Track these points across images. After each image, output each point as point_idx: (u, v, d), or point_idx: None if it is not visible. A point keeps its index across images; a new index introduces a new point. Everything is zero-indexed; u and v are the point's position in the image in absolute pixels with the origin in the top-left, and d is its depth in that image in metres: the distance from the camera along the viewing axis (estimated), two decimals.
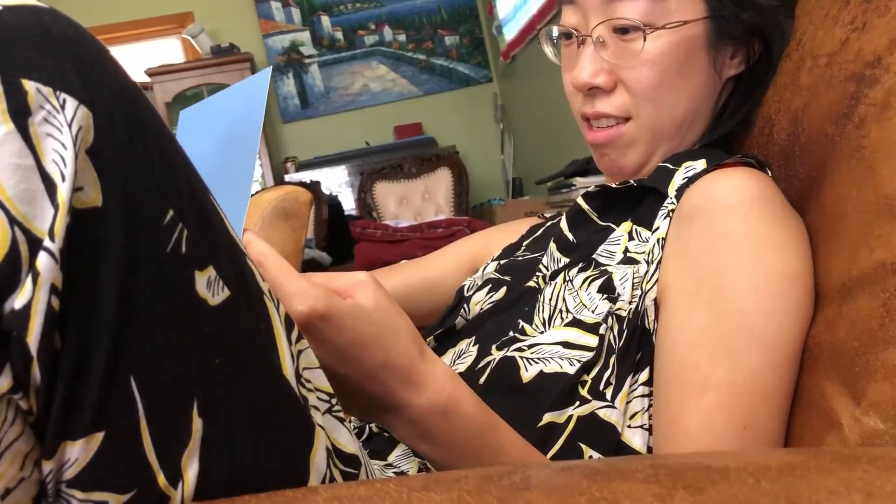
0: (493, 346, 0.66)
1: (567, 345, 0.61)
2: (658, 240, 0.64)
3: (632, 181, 0.71)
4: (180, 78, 4.40)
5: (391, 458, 0.64)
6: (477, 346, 0.69)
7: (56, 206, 0.30)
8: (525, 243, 0.87)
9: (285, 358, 0.40)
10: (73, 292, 0.31)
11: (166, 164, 0.35)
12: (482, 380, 0.63)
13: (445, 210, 4.18)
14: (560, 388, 0.59)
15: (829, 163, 0.58)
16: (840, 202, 0.56)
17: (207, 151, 0.58)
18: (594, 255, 0.69)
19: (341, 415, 0.45)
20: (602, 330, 0.61)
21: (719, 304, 0.56)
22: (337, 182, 4.48)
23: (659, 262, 0.62)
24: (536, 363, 0.61)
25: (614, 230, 0.70)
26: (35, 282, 0.29)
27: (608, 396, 0.59)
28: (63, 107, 0.31)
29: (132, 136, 0.33)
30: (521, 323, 0.68)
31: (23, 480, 0.31)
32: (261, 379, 0.37)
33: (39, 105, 0.30)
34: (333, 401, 0.44)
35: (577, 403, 0.59)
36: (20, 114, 0.30)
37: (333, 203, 3.88)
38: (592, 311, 0.63)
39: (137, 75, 4.27)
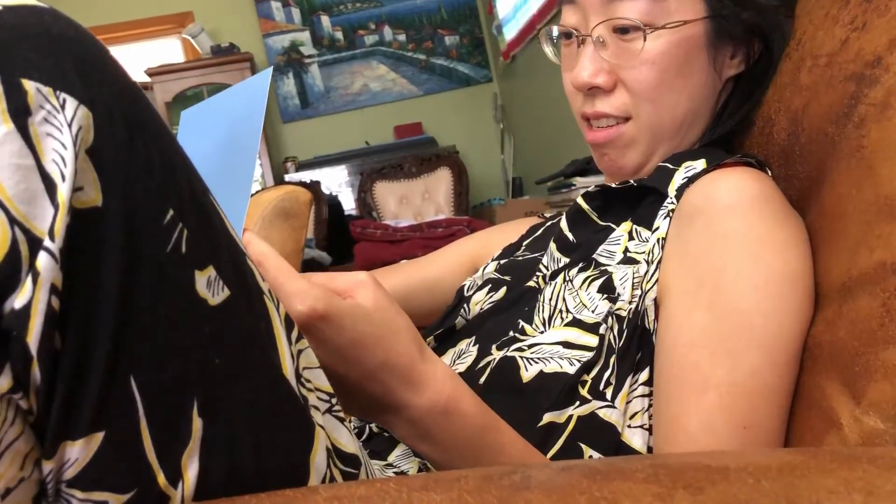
0: (493, 346, 0.66)
1: (567, 345, 0.61)
2: (658, 240, 0.64)
3: (632, 181, 0.71)
4: (180, 78, 4.40)
5: (391, 458, 0.64)
6: (477, 346, 0.69)
7: (56, 206, 0.30)
8: (525, 243, 0.87)
9: (285, 358, 0.40)
10: (73, 292, 0.31)
11: (166, 163, 0.35)
12: (482, 380, 0.63)
13: (445, 210, 4.18)
14: (560, 388, 0.59)
15: (829, 163, 0.58)
16: (840, 202, 0.56)
17: (208, 151, 0.58)
18: (594, 255, 0.69)
19: (341, 414, 0.45)
20: (602, 330, 0.61)
21: (719, 304, 0.56)
22: (337, 182, 4.48)
23: (659, 262, 0.62)
24: (536, 363, 0.61)
25: (614, 230, 0.70)
26: (35, 282, 0.29)
27: (608, 396, 0.59)
28: (63, 107, 0.31)
29: (132, 136, 0.33)
30: (521, 323, 0.68)
31: (23, 480, 0.31)
32: (261, 379, 0.37)
33: (39, 105, 0.30)
34: (333, 400, 0.44)
35: (577, 403, 0.59)
36: (20, 114, 0.30)
37: (333, 203, 3.88)
38: (592, 311, 0.63)
39: (137, 75, 4.27)
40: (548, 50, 0.80)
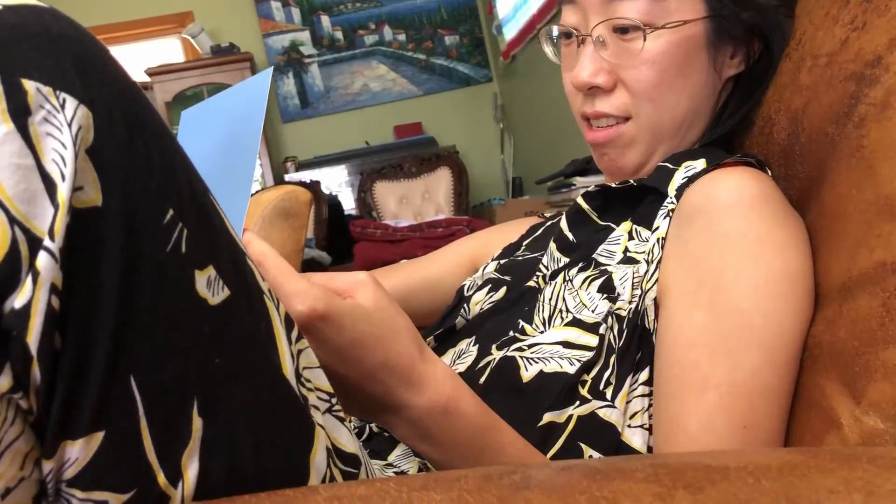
0: (493, 346, 0.66)
1: (567, 344, 0.61)
2: (658, 239, 0.64)
3: (632, 181, 0.71)
4: (180, 78, 4.40)
5: (391, 458, 0.64)
6: (477, 345, 0.69)
7: (56, 206, 0.30)
8: (525, 243, 0.87)
9: (285, 357, 0.40)
10: (73, 292, 0.31)
11: (166, 163, 0.35)
12: (482, 380, 0.63)
13: (445, 210, 4.18)
14: (560, 388, 0.59)
15: (829, 162, 0.58)
16: (840, 202, 0.56)
17: (208, 151, 0.58)
18: (594, 255, 0.69)
19: (341, 414, 0.45)
20: (602, 330, 0.61)
21: (719, 304, 0.56)
22: (337, 182, 4.48)
23: (659, 262, 0.62)
24: (536, 363, 0.61)
25: (614, 230, 0.70)
26: (35, 281, 0.29)
27: (608, 396, 0.59)
28: (63, 106, 0.31)
29: (132, 136, 0.33)
30: (521, 323, 0.68)
31: (23, 480, 0.31)
32: (261, 378, 0.37)
33: (39, 105, 0.30)
34: (333, 400, 0.44)
35: (577, 403, 0.59)
36: (20, 113, 0.30)
37: (333, 203, 3.88)
38: (592, 311, 0.63)
39: (137, 75, 4.27)
40: (548, 50, 0.80)
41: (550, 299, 0.68)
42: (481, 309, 0.76)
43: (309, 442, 0.39)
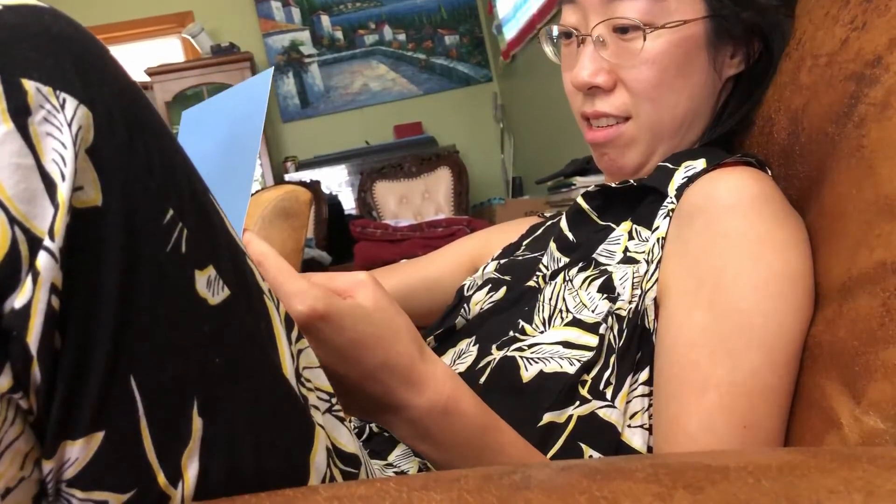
0: (494, 346, 0.66)
1: (567, 344, 0.61)
2: (658, 239, 0.64)
3: (632, 181, 0.71)
4: (180, 77, 4.40)
5: (391, 458, 0.64)
6: (477, 345, 0.69)
7: (56, 206, 0.30)
8: (525, 243, 0.87)
9: (285, 357, 0.40)
10: (73, 292, 0.31)
11: (166, 163, 0.35)
12: (482, 380, 0.63)
13: (445, 209, 4.18)
14: (560, 388, 0.59)
15: (829, 162, 0.58)
16: (840, 201, 0.56)
17: (209, 151, 0.58)
18: (594, 255, 0.69)
19: (341, 414, 0.45)
20: (602, 329, 0.61)
21: (719, 304, 0.56)
22: (337, 181, 4.48)
23: (659, 262, 0.62)
24: (536, 363, 0.61)
25: (614, 230, 0.70)
26: (35, 281, 0.29)
27: (608, 396, 0.59)
28: (63, 106, 0.31)
29: (132, 136, 0.33)
30: (521, 323, 0.68)
31: (23, 480, 0.31)
32: (261, 378, 0.37)
33: (39, 104, 0.30)
34: (333, 400, 0.44)
35: (577, 403, 0.59)
36: (20, 113, 0.30)
37: (333, 202, 3.88)
38: (592, 311, 0.63)
39: (137, 75, 4.27)
40: (548, 49, 0.80)
41: (550, 299, 0.68)
42: (481, 309, 0.75)
43: (309, 442, 0.39)
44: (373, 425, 0.71)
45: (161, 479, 0.33)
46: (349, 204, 4.35)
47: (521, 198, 3.89)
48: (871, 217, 0.52)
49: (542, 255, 0.75)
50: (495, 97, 4.78)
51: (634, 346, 0.61)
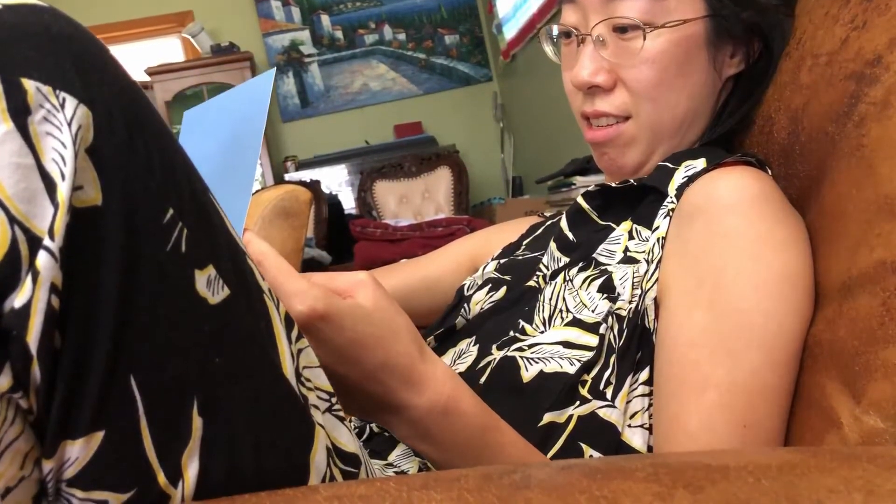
0: (494, 346, 0.66)
1: (567, 344, 0.61)
2: (658, 239, 0.64)
3: (632, 180, 0.71)
4: (180, 77, 4.40)
5: (391, 458, 0.64)
6: (477, 345, 0.69)
7: (56, 205, 0.30)
8: (525, 242, 0.87)
9: (285, 357, 0.40)
10: (73, 291, 0.31)
11: (166, 163, 0.35)
12: (482, 380, 0.63)
13: (445, 209, 4.18)
14: (560, 388, 0.59)
15: (829, 161, 0.58)
16: (840, 201, 0.56)
17: (210, 151, 0.58)
18: (594, 255, 0.69)
19: (341, 414, 0.44)
20: (602, 329, 0.61)
21: (719, 304, 0.56)
22: (337, 181, 4.48)
23: (659, 262, 0.62)
24: (537, 363, 0.61)
25: (614, 229, 0.70)
26: (35, 281, 0.29)
27: (608, 396, 0.59)
28: (63, 106, 0.31)
29: (132, 135, 0.33)
30: (522, 322, 0.68)
31: (23, 479, 0.31)
32: (261, 378, 0.37)
33: (39, 104, 0.30)
34: (333, 399, 0.44)
35: (578, 403, 0.59)
36: (20, 113, 0.30)
37: (333, 202, 3.88)
38: (592, 311, 0.63)
39: (137, 74, 4.27)
40: (548, 49, 0.80)
41: (550, 299, 0.68)
42: (481, 309, 0.75)
43: (309, 441, 0.39)
44: (373, 425, 0.71)
45: (161, 478, 0.33)
46: (349, 203, 4.35)
47: (521, 197, 3.89)
48: (871, 216, 0.52)
49: (543, 255, 0.75)
50: (495, 97, 4.78)
51: (634, 345, 0.61)
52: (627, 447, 0.58)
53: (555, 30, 0.78)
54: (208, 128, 0.61)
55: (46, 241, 0.30)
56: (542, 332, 0.65)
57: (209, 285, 0.35)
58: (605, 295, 0.63)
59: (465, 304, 0.77)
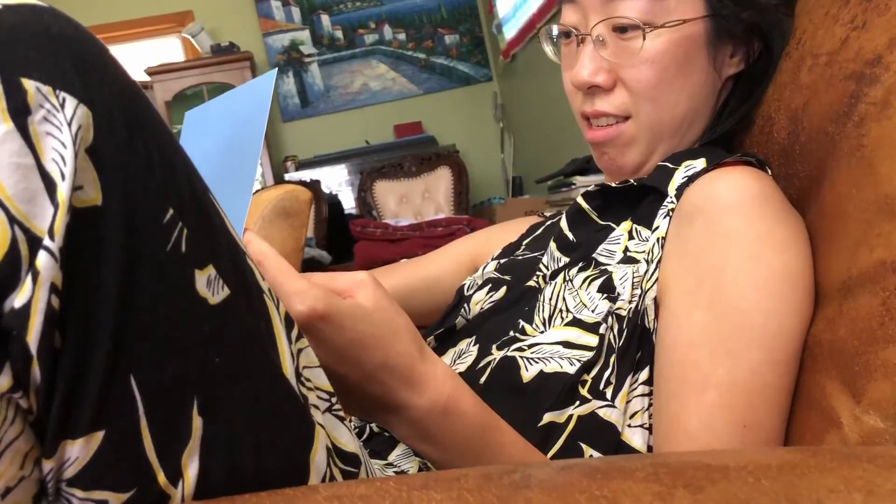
0: (494, 346, 0.66)
1: (567, 344, 0.61)
2: (658, 239, 0.64)
3: (632, 180, 0.71)
4: (180, 77, 4.40)
5: (391, 458, 0.64)
6: (477, 345, 0.69)
7: (56, 205, 0.30)
8: (525, 242, 0.87)
9: (285, 357, 0.40)
10: (73, 291, 0.31)
11: (166, 162, 0.35)
12: (482, 379, 0.63)
13: (445, 209, 4.18)
14: (560, 388, 0.59)
15: (829, 161, 0.58)
16: (840, 201, 0.56)
17: (211, 152, 0.58)
18: (594, 255, 0.69)
19: (341, 413, 0.45)
20: (602, 329, 0.61)
21: (719, 304, 0.56)
22: (337, 181, 4.48)
23: (659, 262, 0.62)
24: (537, 363, 0.61)
25: (614, 229, 0.70)
26: (35, 281, 0.29)
27: (608, 396, 0.59)
28: (63, 106, 0.31)
29: (132, 135, 0.33)
30: (522, 322, 0.68)
31: (23, 479, 0.31)
32: (261, 378, 0.37)
33: (39, 104, 0.30)
34: (333, 399, 0.44)
35: (578, 403, 0.59)
36: (20, 113, 0.30)
37: (333, 202, 3.88)
38: (592, 311, 0.63)
39: (137, 74, 4.27)
40: (548, 49, 0.80)
41: (550, 299, 0.68)
42: (481, 309, 0.75)
43: (309, 441, 0.39)
44: (373, 425, 0.71)
45: (161, 478, 0.33)
46: (349, 203, 4.35)
47: (521, 197, 3.89)
48: (871, 216, 0.52)
49: (542, 255, 0.75)
50: (495, 97, 4.78)
51: (634, 345, 0.61)
52: (627, 447, 0.58)
53: (555, 30, 0.78)
54: (209, 128, 0.61)
55: (46, 241, 0.30)
56: (542, 332, 0.65)
57: (209, 285, 0.35)
58: (605, 295, 0.63)
59: (465, 304, 0.77)
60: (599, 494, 0.27)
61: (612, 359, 0.60)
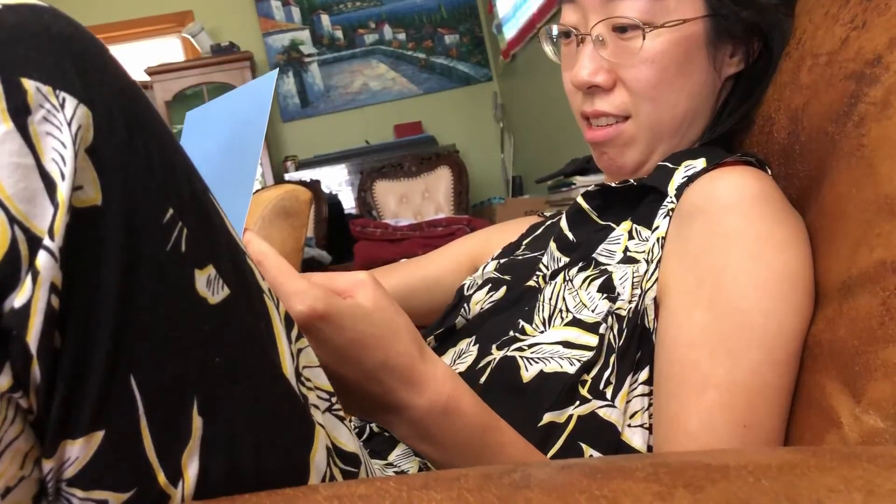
0: (494, 346, 0.66)
1: (567, 344, 0.61)
2: (658, 239, 0.64)
3: (631, 180, 0.71)
4: (180, 77, 4.40)
5: (391, 458, 0.64)
6: (477, 345, 0.69)
7: (56, 205, 0.30)
8: (525, 242, 0.87)
9: (285, 356, 0.40)
10: (73, 291, 0.31)
11: (166, 162, 0.35)
12: (482, 379, 0.63)
13: (445, 209, 4.18)
14: (560, 388, 0.59)
15: (829, 161, 0.58)
16: (840, 201, 0.56)
17: (212, 152, 0.58)
18: (594, 255, 0.69)
19: (341, 413, 0.45)
20: (602, 329, 0.61)
21: (719, 303, 0.56)
22: (337, 181, 4.48)
23: (659, 261, 0.62)
24: (536, 363, 0.61)
25: (614, 229, 0.70)
26: (35, 281, 0.29)
27: (608, 396, 0.59)
28: (62, 106, 0.31)
29: (132, 135, 0.33)
30: (522, 322, 0.68)
31: (23, 479, 0.31)
32: (261, 378, 0.37)
33: (39, 104, 0.30)
34: (333, 399, 0.44)
35: (578, 403, 0.59)
36: (20, 113, 0.30)
37: (333, 202, 3.88)
38: (592, 311, 0.63)
39: (137, 74, 4.27)
40: (548, 49, 0.80)
41: (550, 299, 0.68)
42: (481, 308, 0.76)
43: (309, 441, 0.39)
44: (373, 425, 0.71)
45: (161, 478, 0.33)
46: (349, 203, 4.35)
47: (521, 197, 3.89)
48: (871, 216, 0.52)
49: (542, 255, 0.75)
50: (495, 97, 4.78)
51: (634, 345, 0.61)
52: (627, 447, 0.58)
53: (554, 30, 0.78)
54: (210, 128, 0.61)
55: (46, 241, 0.30)
56: (541, 332, 0.65)
57: (209, 285, 0.35)
58: (605, 295, 0.63)
59: (465, 304, 0.77)
60: (599, 494, 0.27)
61: (612, 359, 0.60)
